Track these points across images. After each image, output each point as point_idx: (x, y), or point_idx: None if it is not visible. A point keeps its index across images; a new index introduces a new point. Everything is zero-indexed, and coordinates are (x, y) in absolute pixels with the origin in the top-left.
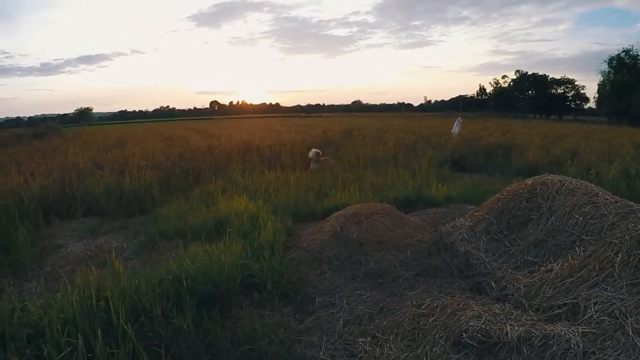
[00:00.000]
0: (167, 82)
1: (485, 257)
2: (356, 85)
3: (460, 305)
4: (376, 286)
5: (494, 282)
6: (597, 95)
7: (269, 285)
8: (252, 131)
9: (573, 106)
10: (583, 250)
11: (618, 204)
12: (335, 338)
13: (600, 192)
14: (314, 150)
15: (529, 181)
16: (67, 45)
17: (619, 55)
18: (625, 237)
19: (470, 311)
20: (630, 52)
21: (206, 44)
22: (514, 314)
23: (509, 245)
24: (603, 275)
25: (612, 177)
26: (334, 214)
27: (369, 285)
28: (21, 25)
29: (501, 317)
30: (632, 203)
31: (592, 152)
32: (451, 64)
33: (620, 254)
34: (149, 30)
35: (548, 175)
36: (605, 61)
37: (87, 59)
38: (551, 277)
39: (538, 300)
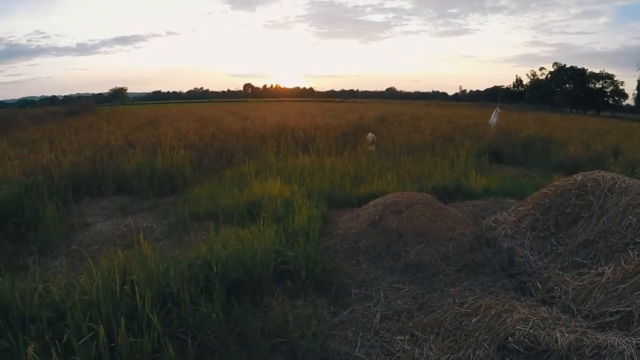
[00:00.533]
0: (201, 64)
1: (531, 255)
2: (391, 72)
3: (506, 307)
4: (415, 280)
5: (540, 283)
6: (636, 92)
7: (303, 274)
8: (286, 114)
9: (611, 102)
10: (637, 255)
11: None
12: (372, 334)
13: None
14: (370, 134)
15: (579, 177)
16: (102, 26)
17: None
18: None
19: (516, 314)
20: None
21: (241, 27)
22: (562, 319)
23: (556, 244)
24: None
25: None
26: (371, 202)
27: (408, 278)
28: (57, 7)
29: (549, 322)
30: None
31: (635, 150)
32: (488, 54)
33: None
34: (184, 12)
35: (599, 172)
36: None
37: (122, 40)
38: (602, 281)
39: (588, 305)
